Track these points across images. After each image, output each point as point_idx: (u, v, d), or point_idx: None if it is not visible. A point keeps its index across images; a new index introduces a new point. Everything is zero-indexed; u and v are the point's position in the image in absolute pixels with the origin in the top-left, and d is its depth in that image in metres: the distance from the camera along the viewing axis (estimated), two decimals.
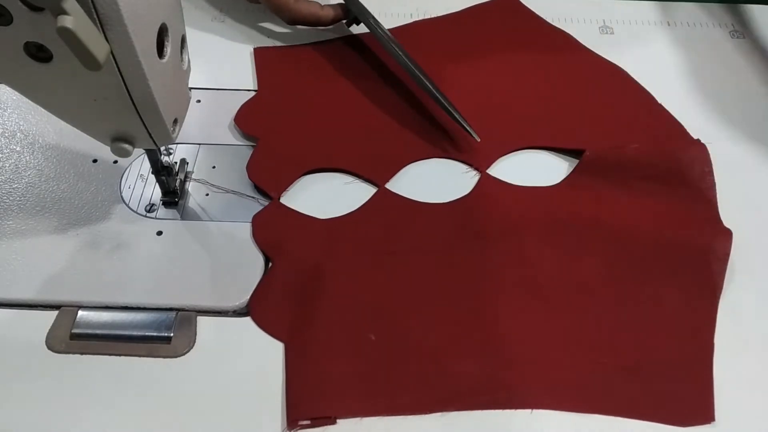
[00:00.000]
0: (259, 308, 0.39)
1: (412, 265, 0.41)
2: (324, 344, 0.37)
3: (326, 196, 0.44)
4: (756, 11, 0.59)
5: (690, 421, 0.35)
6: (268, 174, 0.45)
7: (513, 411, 0.35)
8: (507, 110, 0.49)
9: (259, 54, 0.54)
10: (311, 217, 0.43)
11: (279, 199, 0.44)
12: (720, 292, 0.39)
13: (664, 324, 0.38)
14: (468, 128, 0.46)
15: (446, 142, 0.47)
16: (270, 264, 0.40)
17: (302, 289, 0.39)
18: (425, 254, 0.41)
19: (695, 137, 0.46)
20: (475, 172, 0.46)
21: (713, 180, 0.44)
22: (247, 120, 0.48)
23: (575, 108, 0.49)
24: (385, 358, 0.37)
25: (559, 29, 0.56)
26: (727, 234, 0.41)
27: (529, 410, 0.35)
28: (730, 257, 0.40)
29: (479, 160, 0.46)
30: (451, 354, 0.37)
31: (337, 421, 0.34)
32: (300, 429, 0.34)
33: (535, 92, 0.51)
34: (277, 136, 0.47)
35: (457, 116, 0.46)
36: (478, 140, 0.45)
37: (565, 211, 0.43)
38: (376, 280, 0.40)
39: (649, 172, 0.44)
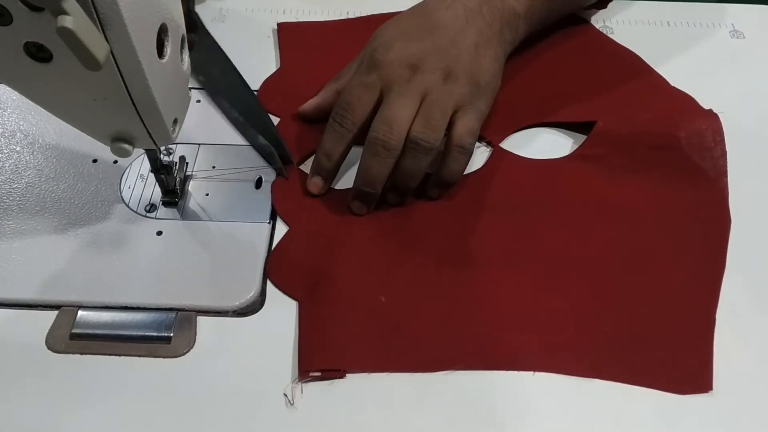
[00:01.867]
0: (276, 268, 0.40)
1: (423, 235, 0.42)
2: (337, 304, 0.38)
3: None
4: (756, 11, 0.59)
5: (688, 389, 0.35)
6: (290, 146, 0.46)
7: (517, 372, 0.36)
8: (523, 88, 0.50)
9: (283, 29, 0.54)
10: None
11: (298, 167, 0.45)
12: (723, 269, 0.40)
13: (667, 296, 0.39)
14: (279, 161, 0.44)
15: None
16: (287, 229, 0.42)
17: (318, 252, 0.41)
18: (436, 225, 0.42)
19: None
20: (487, 147, 0.46)
21: (724, 149, 0.45)
22: (269, 96, 0.49)
23: (589, 87, 0.50)
24: (395, 319, 0.38)
25: (582, 18, 0.57)
26: (727, 219, 0.42)
27: (531, 372, 0.36)
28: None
29: (492, 135, 0.47)
30: (456, 317, 0.38)
31: (346, 375, 0.35)
32: (310, 380, 0.35)
33: (551, 72, 0.52)
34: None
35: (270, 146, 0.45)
36: (287, 177, 0.44)
37: (574, 183, 0.44)
38: (389, 247, 0.41)
39: (660, 141, 0.45)
